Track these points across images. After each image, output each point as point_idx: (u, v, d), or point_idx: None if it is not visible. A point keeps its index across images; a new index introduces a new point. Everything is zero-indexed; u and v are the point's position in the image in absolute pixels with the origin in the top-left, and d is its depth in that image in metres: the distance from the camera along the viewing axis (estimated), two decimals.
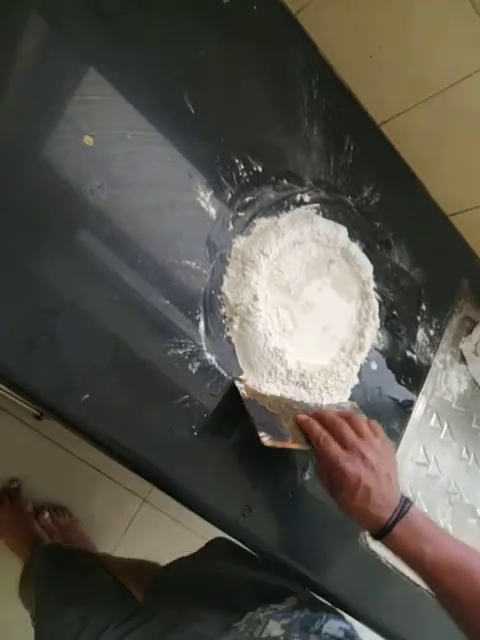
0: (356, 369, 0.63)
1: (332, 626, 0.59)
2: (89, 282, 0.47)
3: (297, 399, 0.59)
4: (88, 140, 0.47)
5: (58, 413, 0.46)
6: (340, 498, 0.52)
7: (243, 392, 0.55)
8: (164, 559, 1.02)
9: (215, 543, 0.95)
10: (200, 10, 0.56)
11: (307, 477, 0.60)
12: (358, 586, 0.65)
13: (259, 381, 0.56)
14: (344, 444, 0.52)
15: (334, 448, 0.52)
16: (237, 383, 0.55)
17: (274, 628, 0.58)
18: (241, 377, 0.55)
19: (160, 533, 1.44)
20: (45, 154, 0.45)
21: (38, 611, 0.79)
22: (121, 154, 0.49)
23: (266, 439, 0.52)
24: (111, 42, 0.50)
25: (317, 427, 0.54)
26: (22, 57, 0.45)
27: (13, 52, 0.44)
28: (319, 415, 0.56)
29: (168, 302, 0.52)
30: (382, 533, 0.51)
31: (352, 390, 0.64)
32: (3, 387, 0.79)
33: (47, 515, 1.25)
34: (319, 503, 0.62)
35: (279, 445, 0.53)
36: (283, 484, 0.59)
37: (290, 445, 0.54)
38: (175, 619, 0.64)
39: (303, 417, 0.55)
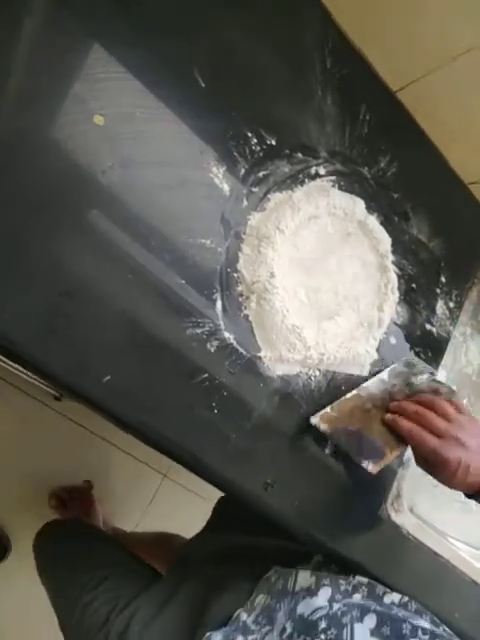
0: (375, 344, 0.62)
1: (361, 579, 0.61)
2: (104, 263, 0.47)
3: (358, 389, 0.61)
4: (98, 119, 0.46)
5: (81, 395, 0.46)
6: (441, 478, 0.57)
7: (325, 428, 0.58)
8: (186, 532, 1.04)
9: (224, 506, 0.96)
10: None
11: (327, 451, 0.61)
12: (381, 556, 0.66)
13: (278, 358, 0.55)
14: (436, 432, 0.56)
15: (429, 440, 0.56)
16: (314, 420, 0.58)
17: (304, 579, 0.60)
18: (316, 416, 0.58)
19: (181, 508, 1.47)
20: (56, 135, 0.45)
21: (50, 585, 0.80)
22: (132, 132, 0.48)
23: (371, 467, 0.58)
24: (117, 18, 0.49)
25: (406, 424, 0.58)
26: (28, 37, 0.44)
27: (19, 33, 0.43)
28: (402, 408, 0.60)
29: (184, 281, 0.51)
30: (478, 494, 0.57)
31: (371, 365, 0.64)
32: (24, 370, 0.80)
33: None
34: (341, 477, 0.62)
35: (383, 464, 0.59)
36: (305, 458, 0.59)
37: (391, 457, 0.59)
38: (203, 595, 0.65)
39: (390, 417, 0.60)
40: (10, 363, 0.83)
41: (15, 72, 0.43)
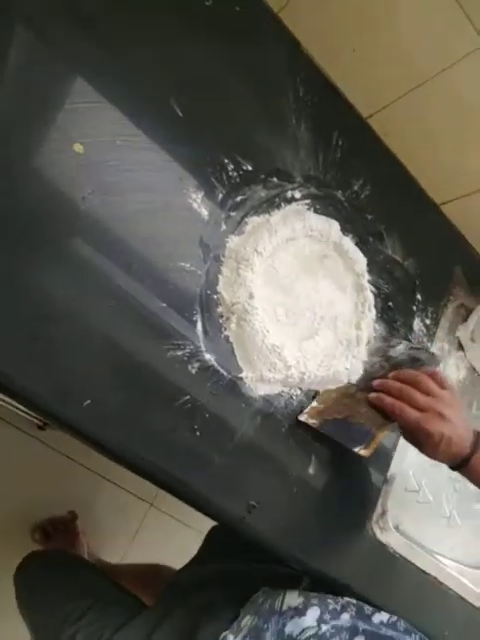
0: (355, 362, 0.63)
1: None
2: (85, 288, 0.47)
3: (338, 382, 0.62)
4: (78, 148, 0.48)
5: (60, 419, 0.46)
6: (425, 451, 0.59)
7: (313, 422, 0.59)
8: (174, 563, 1.02)
9: (214, 536, 0.95)
10: (183, 13, 0.56)
11: (311, 471, 0.61)
12: (368, 576, 0.66)
13: (259, 378, 0.56)
14: (419, 407, 0.58)
15: (412, 414, 0.58)
16: (302, 417, 0.59)
17: (292, 599, 0.59)
18: (303, 413, 0.59)
19: (169, 538, 1.44)
20: (37, 163, 0.45)
21: (31, 618, 0.78)
22: (111, 160, 0.49)
23: (364, 451, 0.60)
24: (95, 48, 0.50)
25: (389, 400, 0.60)
26: (7, 68, 0.45)
27: None
28: (386, 386, 0.61)
29: (165, 305, 0.52)
30: (460, 465, 0.59)
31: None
32: (5, 398, 0.79)
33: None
34: (325, 496, 0.62)
35: (374, 445, 0.60)
36: (288, 479, 0.59)
37: (380, 436, 0.61)
38: (191, 622, 0.64)
39: (374, 396, 0.61)
40: None
41: None
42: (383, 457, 0.69)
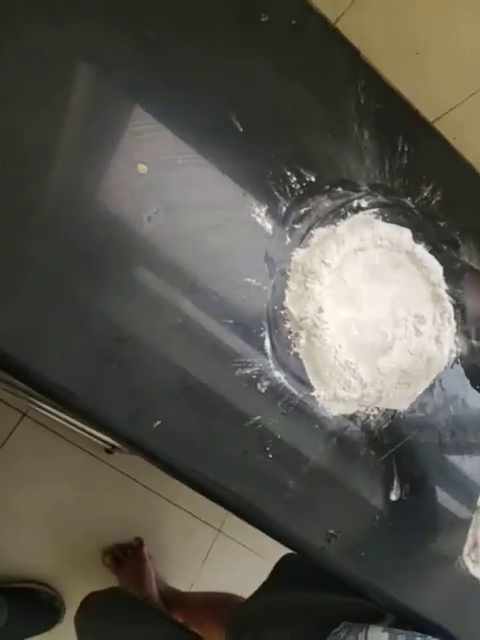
0: (434, 377, 0.59)
1: None
2: (152, 308, 0.47)
3: None
4: (142, 168, 0.48)
5: (131, 441, 0.45)
6: None
7: None
8: (242, 591, 0.99)
9: (286, 565, 0.91)
10: (240, 30, 0.56)
11: (394, 498, 0.56)
12: (458, 613, 0.60)
13: (332, 397, 0.53)
14: None
15: None
16: None
17: (375, 635, 0.55)
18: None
19: (237, 565, 1.40)
20: (102, 187, 0.46)
21: None
22: (174, 178, 0.49)
23: None
24: (155, 71, 0.51)
25: None
26: (71, 96, 0.47)
27: (63, 93, 0.46)
28: None
29: (231, 322, 0.51)
30: None
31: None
32: (74, 421, 0.81)
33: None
34: (409, 525, 0.57)
35: None
36: (368, 506, 0.55)
37: None
38: None
39: None
40: (61, 415, 0.84)
41: (60, 130, 0.45)
42: (470, 484, 0.63)
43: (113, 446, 1.13)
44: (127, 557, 1.26)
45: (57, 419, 0.94)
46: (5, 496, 1.18)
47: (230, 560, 1.40)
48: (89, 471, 1.26)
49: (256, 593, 0.91)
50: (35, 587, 1.18)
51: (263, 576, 0.93)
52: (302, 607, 0.76)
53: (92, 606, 0.88)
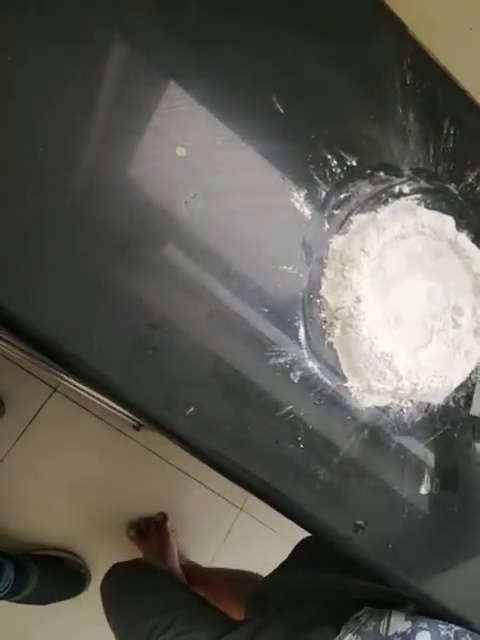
0: (471, 370, 0.57)
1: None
2: (188, 294, 0.46)
3: None
4: (181, 151, 0.47)
5: (165, 427, 0.46)
6: None
7: None
8: (262, 569, 1.00)
9: (309, 546, 0.92)
10: (281, 6, 0.54)
11: (423, 491, 0.56)
12: None
13: (366, 388, 0.52)
14: None
15: None
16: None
17: (398, 622, 0.55)
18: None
19: (257, 543, 1.42)
20: (140, 170, 0.45)
21: (118, 630, 0.79)
22: (213, 162, 0.48)
23: None
24: (194, 50, 0.49)
25: None
26: (107, 77, 0.46)
27: (98, 73, 0.45)
28: None
29: (266, 310, 0.50)
30: None
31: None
32: (106, 400, 0.82)
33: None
34: (438, 520, 0.57)
35: None
36: (398, 499, 0.54)
37: None
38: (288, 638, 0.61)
39: None
40: (91, 392, 0.85)
41: (97, 112, 0.45)
42: None
43: (140, 423, 1.15)
44: (151, 531, 1.29)
45: (87, 395, 0.96)
46: (35, 468, 1.22)
47: (251, 538, 1.42)
48: (117, 446, 1.29)
49: (276, 571, 0.92)
50: (63, 555, 1.23)
51: (283, 555, 0.94)
52: (321, 588, 0.77)
53: (118, 575, 0.91)
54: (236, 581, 1.13)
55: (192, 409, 0.45)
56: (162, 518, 1.32)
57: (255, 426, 0.48)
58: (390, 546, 0.54)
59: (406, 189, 0.58)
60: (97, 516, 1.29)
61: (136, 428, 1.24)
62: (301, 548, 0.95)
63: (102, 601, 0.87)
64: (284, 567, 0.92)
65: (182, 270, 0.46)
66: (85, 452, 1.26)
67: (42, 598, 1.17)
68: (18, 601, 1.11)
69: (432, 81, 0.62)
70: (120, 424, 1.28)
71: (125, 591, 0.86)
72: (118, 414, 1.00)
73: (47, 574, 1.16)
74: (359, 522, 0.52)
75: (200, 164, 0.47)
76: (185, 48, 0.49)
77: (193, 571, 1.28)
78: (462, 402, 0.60)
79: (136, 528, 1.30)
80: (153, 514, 1.33)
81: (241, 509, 1.42)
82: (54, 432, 1.23)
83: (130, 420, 1.10)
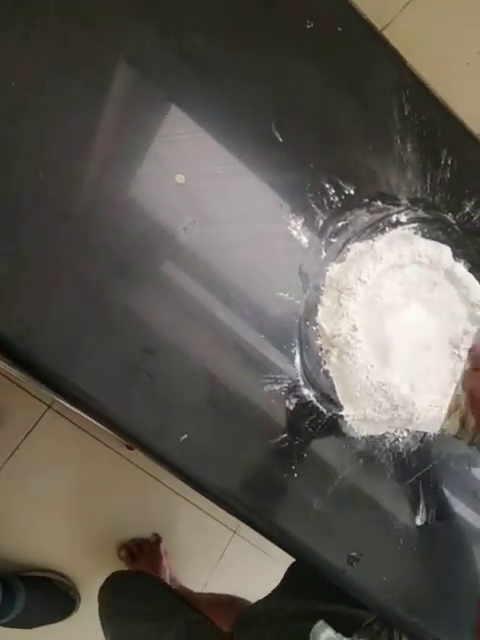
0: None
1: None
2: (184, 320, 0.46)
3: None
4: (180, 178, 0.47)
5: (156, 454, 0.45)
6: None
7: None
8: (255, 594, 0.99)
9: (298, 571, 0.90)
10: (284, 38, 0.55)
11: (419, 522, 0.55)
12: None
13: (362, 417, 0.52)
14: None
15: None
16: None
17: None
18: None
19: (251, 567, 1.40)
20: (140, 196, 0.46)
21: (113, 635, 0.78)
22: (212, 189, 0.49)
23: None
24: (196, 79, 0.50)
25: None
26: (110, 102, 0.46)
27: (102, 98, 0.46)
28: None
29: (262, 336, 0.50)
30: None
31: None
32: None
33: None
34: (435, 550, 0.56)
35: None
36: (393, 530, 0.54)
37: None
38: None
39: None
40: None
41: (99, 137, 0.45)
42: None
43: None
44: (142, 552, 1.27)
45: (81, 413, 0.95)
46: (27, 486, 1.20)
47: (245, 561, 1.40)
48: (109, 466, 1.27)
49: (265, 598, 0.91)
50: (52, 576, 1.20)
51: (277, 579, 0.92)
52: (304, 614, 0.75)
53: (117, 581, 0.90)
54: (224, 606, 1.11)
55: (186, 436, 0.45)
56: (156, 539, 1.30)
57: (248, 454, 0.48)
58: (385, 579, 0.53)
59: (403, 218, 0.58)
60: (88, 536, 1.26)
61: (129, 448, 1.23)
62: (292, 572, 0.93)
63: (99, 607, 0.86)
64: (277, 591, 0.90)
65: (179, 296, 0.46)
66: (77, 471, 1.25)
67: (28, 621, 1.14)
68: (3, 624, 1.08)
69: (430, 112, 0.63)
70: (113, 443, 1.27)
71: (121, 597, 0.85)
72: (111, 433, 0.99)
73: (35, 595, 1.14)
74: (353, 553, 0.52)
75: (199, 191, 0.48)
76: (188, 77, 0.50)
77: (185, 595, 1.25)
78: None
79: (127, 549, 1.27)
80: (145, 535, 1.31)
81: (235, 532, 1.40)
82: (47, 449, 1.22)
83: (122, 440, 1.09)
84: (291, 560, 0.92)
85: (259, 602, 0.89)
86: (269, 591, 0.91)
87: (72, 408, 0.97)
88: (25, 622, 1.13)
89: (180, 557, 1.34)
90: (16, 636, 1.13)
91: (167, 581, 1.24)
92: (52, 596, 1.19)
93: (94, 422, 0.91)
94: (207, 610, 1.12)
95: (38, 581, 1.18)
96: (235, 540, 1.40)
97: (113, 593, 0.87)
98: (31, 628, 1.15)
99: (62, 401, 0.90)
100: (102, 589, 0.88)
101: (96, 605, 0.86)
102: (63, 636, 1.19)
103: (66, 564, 1.24)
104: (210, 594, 1.25)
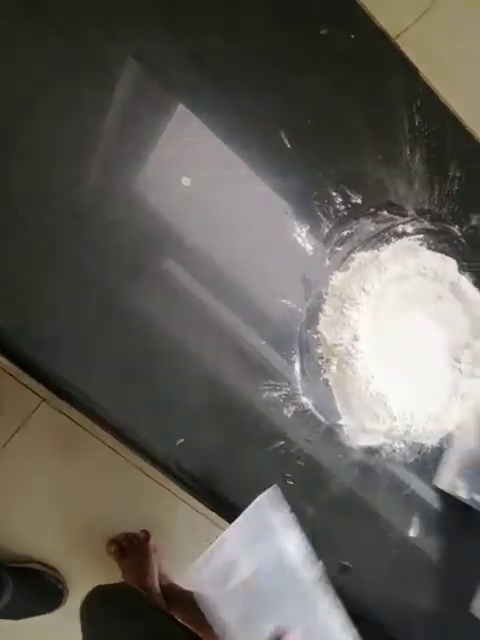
0: (468, 416, 0.57)
1: None
2: (185, 323, 0.46)
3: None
4: (186, 181, 0.47)
5: (152, 457, 0.45)
6: None
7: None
8: None
9: None
10: (297, 43, 0.55)
11: (412, 534, 0.55)
12: None
13: (360, 427, 0.51)
14: None
15: None
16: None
17: None
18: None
19: None
20: (146, 198, 0.45)
21: None
22: (218, 193, 0.48)
23: None
24: (207, 82, 0.50)
25: None
26: (119, 106, 0.46)
27: (113, 100, 0.45)
28: None
29: (263, 342, 0.50)
30: None
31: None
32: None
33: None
34: (426, 563, 0.56)
35: None
36: (386, 541, 0.54)
37: None
38: None
39: None
40: None
41: (108, 139, 0.45)
42: None
43: None
44: (132, 547, 1.27)
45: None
46: (19, 478, 1.20)
47: None
48: (102, 460, 1.27)
49: None
50: (40, 568, 1.20)
51: None
52: None
53: (98, 598, 0.89)
54: None
55: (182, 440, 0.45)
56: (145, 536, 1.30)
57: (244, 459, 0.48)
58: (375, 590, 0.53)
59: (409, 229, 0.58)
60: (77, 530, 1.26)
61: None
62: None
63: (81, 622, 0.85)
64: None
65: (182, 299, 0.46)
66: (69, 464, 1.24)
67: (16, 612, 1.14)
68: None
69: (440, 124, 0.63)
70: (106, 437, 1.26)
71: (103, 616, 0.84)
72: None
73: (23, 587, 1.13)
74: (346, 563, 0.51)
75: (205, 194, 0.48)
76: (199, 80, 0.49)
77: (173, 593, 1.25)
78: None
79: (116, 544, 1.27)
80: (135, 531, 1.31)
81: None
82: (40, 443, 1.22)
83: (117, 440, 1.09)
84: None
85: None
86: None
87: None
88: (12, 613, 1.13)
89: (170, 554, 1.34)
90: (3, 627, 1.13)
91: (155, 578, 1.24)
92: (40, 588, 1.18)
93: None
94: (194, 607, 1.11)
95: (26, 572, 1.17)
96: None
97: (93, 612, 0.86)
98: (18, 619, 1.14)
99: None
100: (83, 606, 0.87)
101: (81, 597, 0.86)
102: (51, 628, 1.19)
103: (55, 556, 1.24)
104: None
